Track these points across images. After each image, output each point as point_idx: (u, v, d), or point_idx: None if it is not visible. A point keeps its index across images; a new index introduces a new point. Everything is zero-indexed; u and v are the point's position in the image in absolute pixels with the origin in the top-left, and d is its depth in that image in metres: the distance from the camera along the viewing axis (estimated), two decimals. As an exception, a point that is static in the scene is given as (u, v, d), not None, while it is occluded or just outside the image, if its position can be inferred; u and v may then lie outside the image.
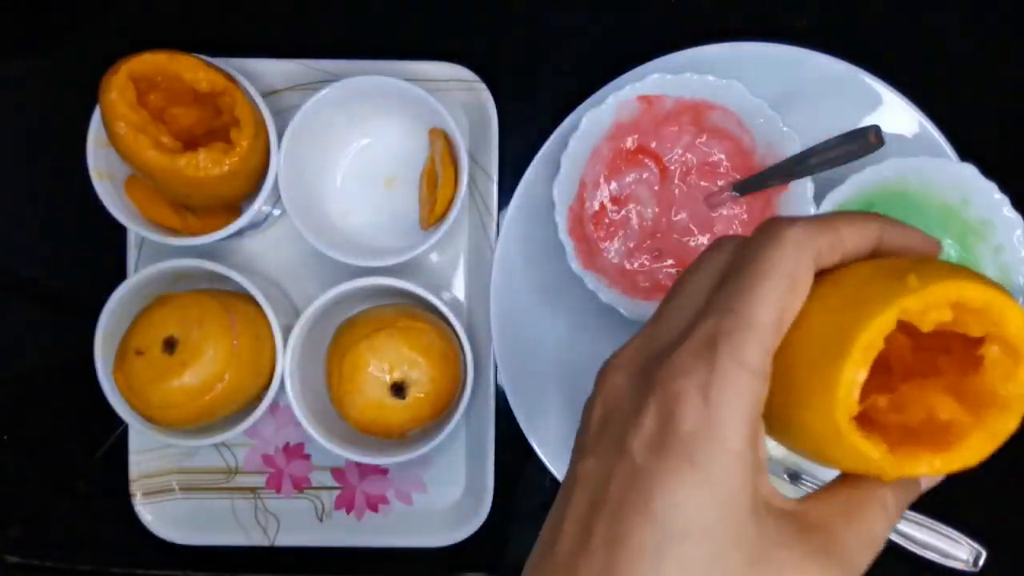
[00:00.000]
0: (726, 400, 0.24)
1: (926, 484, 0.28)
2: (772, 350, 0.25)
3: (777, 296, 0.24)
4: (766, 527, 0.25)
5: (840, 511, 0.26)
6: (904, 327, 0.24)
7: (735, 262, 0.26)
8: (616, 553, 0.24)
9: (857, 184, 0.48)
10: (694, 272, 0.28)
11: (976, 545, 0.48)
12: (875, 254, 0.27)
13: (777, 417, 0.26)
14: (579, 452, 0.27)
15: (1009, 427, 0.24)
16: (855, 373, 0.23)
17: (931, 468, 0.25)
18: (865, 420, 0.25)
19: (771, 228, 0.26)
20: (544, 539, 0.27)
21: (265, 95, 0.51)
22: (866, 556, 0.26)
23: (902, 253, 0.27)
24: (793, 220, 0.26)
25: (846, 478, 0.27)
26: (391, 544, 0.55)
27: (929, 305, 0.23)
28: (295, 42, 0.56)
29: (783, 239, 0.25)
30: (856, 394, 0.24)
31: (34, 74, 0.57)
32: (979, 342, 0.25)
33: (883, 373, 0.27)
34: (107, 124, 0.45)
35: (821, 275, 0.26)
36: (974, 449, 0.25)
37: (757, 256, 0.25)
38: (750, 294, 0.24)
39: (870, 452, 0.24)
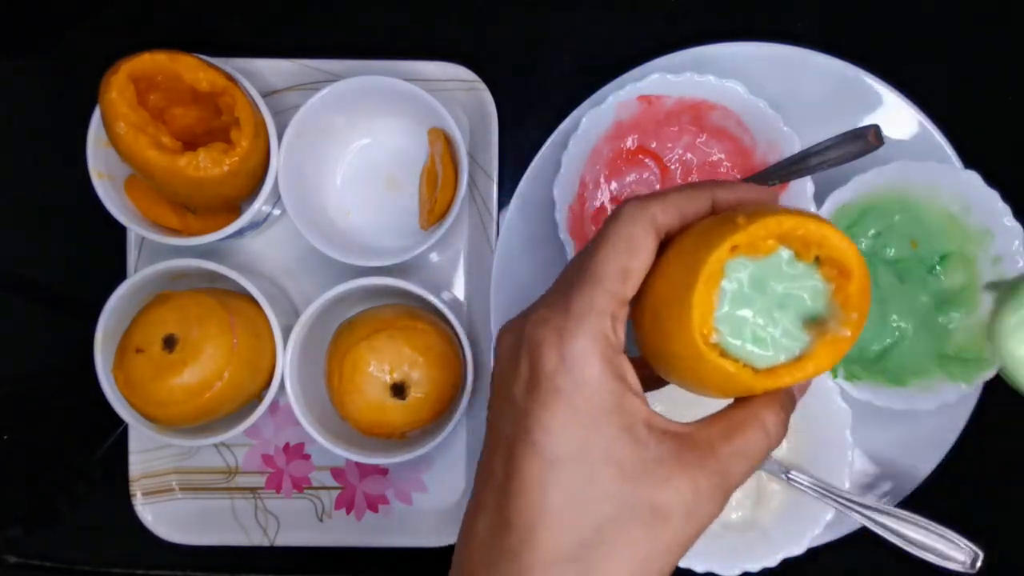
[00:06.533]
0: (578, 336, 0.28)
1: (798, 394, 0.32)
2: (620, 295, 0.29)
3: (616, 254, 0.29)
4: (644, 445, 0.28)
5: (723, 431, 0.30)
6: None
7: (594, 237, 0.31)
8: (510, 484, 0.28)
9: (859, 185, 0.48)
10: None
11: (973, 547, 0.48)
12: (716, 214, 0.31)
13: (657, 356, 0.31)
14: (488, 409, 0.32)
15: (847, 336, 0.29)
16: (702, 298, 0.28)
17: (790, 378, 0.29)
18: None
19: (617, 207, 0.31)
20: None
21: (265, 95, 0.51)
22: (740, 467, 0.29)
23: (740, 207, 0.31)
24: (633, 197, 0.31)
25: (732, 404, 0.31)
26: (391, 544, 0.55)
27: (757, 237, 0.28)
28: (295, 42, 0.56)
29: (620, 212, 0.30)
30: (709, 318, 0.28)
31: (34, 74, 0.57)
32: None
33: None
34: (107, 124, 0.45)
35: (678, 235, 0.31)
36: (819, 359, 0.29)
37: (604, 228, 0.30)
38: (594, 256, 0.30)
39: (727, 367, 0.28)
